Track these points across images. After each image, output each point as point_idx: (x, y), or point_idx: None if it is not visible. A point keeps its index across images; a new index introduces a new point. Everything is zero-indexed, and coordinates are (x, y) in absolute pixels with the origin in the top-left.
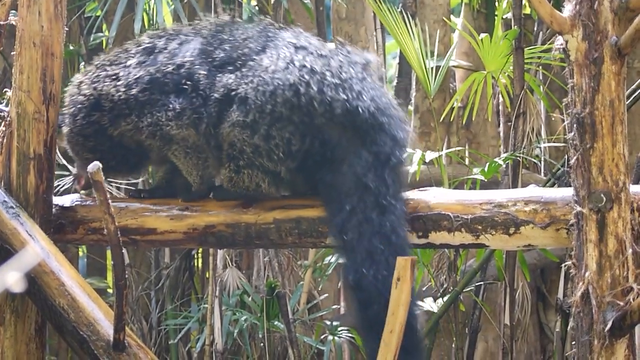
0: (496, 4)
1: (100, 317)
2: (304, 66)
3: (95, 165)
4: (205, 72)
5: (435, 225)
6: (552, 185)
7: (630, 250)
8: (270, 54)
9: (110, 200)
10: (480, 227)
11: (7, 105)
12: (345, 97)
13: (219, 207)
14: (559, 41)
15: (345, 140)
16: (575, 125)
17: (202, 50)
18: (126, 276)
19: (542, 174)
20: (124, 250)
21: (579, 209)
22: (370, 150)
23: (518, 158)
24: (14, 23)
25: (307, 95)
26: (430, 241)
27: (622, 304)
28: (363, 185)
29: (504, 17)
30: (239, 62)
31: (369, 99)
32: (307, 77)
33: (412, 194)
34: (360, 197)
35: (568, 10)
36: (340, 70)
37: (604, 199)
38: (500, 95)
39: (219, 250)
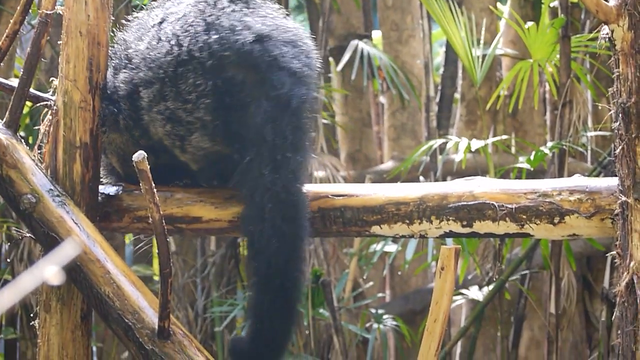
0: None
1: (145, 305)
2: (168, 35)
3: (140, 154)
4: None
5: (480, 214)
6: (598, 174)
7: None
8: (145, 39)
9: (155, 189)
10: (524, 217)
11: (53, 94)
12: (218, 36)
13: None
14: (604, 30)
15: (249, 80)
16: (620, 115)
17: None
18: (171, 264)
19: (589, 162)
20: (170, 238)
21: (623, 198)
22: (269, 96)
23: (564, 147)
24: (60, 12)
25: (184, 52)
26: (474, 230)
27: None
28: (261, 137)
29: (551, 5)
30: (126, 60)
31: (252, 31)
32: (173, 41)
33: (456, 184)
34: (258, 151)
35: None
36: (203, 16)
37: None
38: (546, 84)
39: None
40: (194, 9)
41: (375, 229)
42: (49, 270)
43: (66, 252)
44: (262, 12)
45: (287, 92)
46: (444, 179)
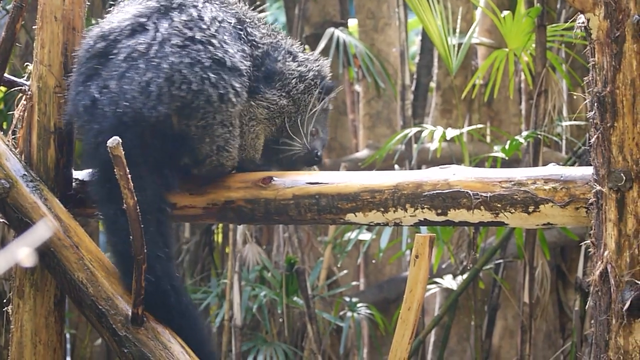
0: None
1: (119, 291)
2: None
3: (114, 140)
4: None
5: (455, 202)
6: (573, 164)
7: None
8: None
9: (129, 175)
10: (499, 205)
11: (28, 79)
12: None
13: (238, 183)
14: (580, 19)
15: None
16: (596, 104)
17: None
18: (145, 251)
19: (564, 152)
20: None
21: (598, 187)
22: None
23: (539, 136)
24: None
25: None
26: (449, 219)
27: None
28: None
29: None
30: None
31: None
32: None
33: (431, 172)
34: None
35: None
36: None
37: (624, 178)
38: (522, 73)
39: (238, 226)
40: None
41: (350, 217)
42: (21, 251)
43: (39, 234)
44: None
45: (93, 154)
46: (419, 168)
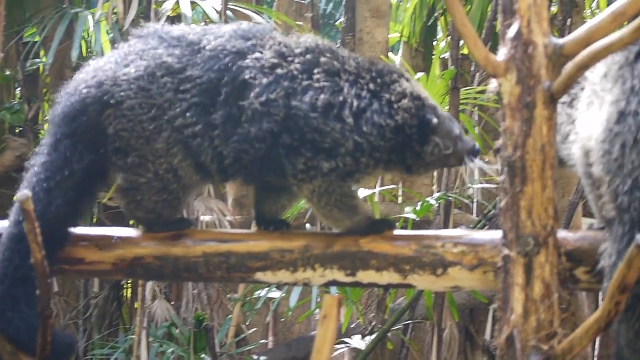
0: (434, 43)
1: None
2: None
3: (24, 195)
4: None
5: (364, 264)
6: (484, 227)
7: (556, 295)
8: None
9: (38, 230)
10: (408, 268)
11: None
12: None
13: (148, 239)
14: (493, 84)
15: None
16: (506, 169)
17: None
18: (52, 306)
19: (475, 214)
20: (53, 279)
21: (506, 252)
22: None
23: (450, 198)
24: None
25: None
26: (357, 280)
27: (546, 348)
28: None
29: (442, 56)
30: None
31: None
32: None
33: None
34: None
35: (503, 54)
36: None
37: (532, 243)
38: None
39: (148, 282)
40: None
41: (259, 276)
42: None
43: None
44: None
45: None
46: (331, 228)
